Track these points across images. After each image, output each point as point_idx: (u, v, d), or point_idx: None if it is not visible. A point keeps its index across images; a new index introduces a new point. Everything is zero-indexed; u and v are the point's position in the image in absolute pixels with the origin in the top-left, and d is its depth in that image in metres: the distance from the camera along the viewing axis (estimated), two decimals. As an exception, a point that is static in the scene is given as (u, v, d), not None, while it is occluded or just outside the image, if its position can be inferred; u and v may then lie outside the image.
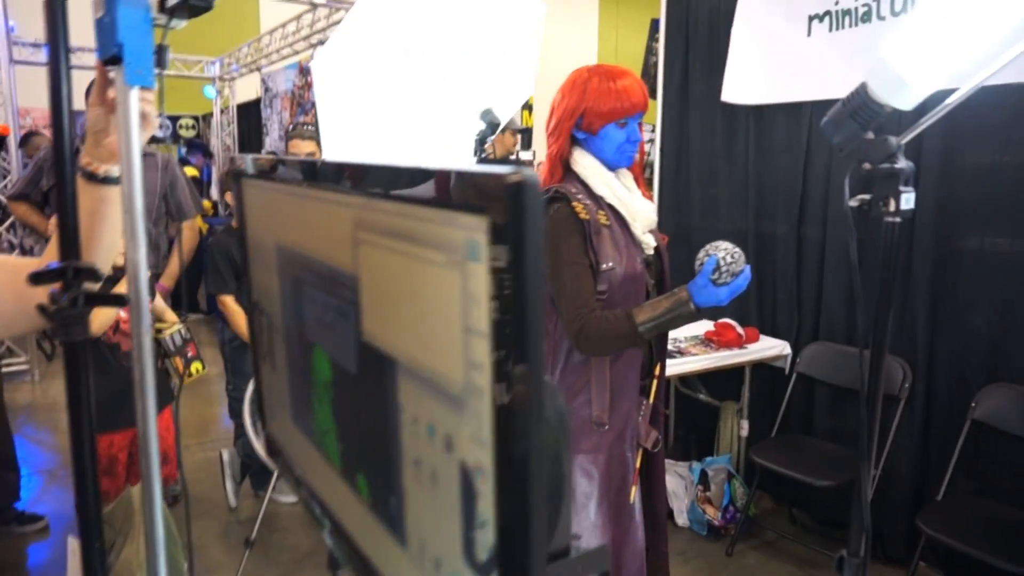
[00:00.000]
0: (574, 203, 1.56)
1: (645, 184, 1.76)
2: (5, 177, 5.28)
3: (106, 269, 1.09)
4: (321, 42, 5.53)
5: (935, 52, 1.10)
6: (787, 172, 3.09)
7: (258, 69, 7.41)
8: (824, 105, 1.24)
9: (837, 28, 2.80)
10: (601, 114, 1.57)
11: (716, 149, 3.41)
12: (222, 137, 8.53)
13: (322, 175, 0.67)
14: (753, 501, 3.05)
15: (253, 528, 2.73)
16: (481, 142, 2.48)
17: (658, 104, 3.68)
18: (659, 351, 1.71)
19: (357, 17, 2.71)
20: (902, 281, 2.65)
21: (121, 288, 0.93)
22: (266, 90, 7.30)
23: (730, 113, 3.28)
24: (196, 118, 9.51)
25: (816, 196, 2.99)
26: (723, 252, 1.48)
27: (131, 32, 0.89)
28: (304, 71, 6.19)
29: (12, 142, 5.16)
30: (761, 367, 3.20)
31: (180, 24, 0.98)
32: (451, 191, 0.45)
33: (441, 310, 0.46)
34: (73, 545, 1.44)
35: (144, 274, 0.93)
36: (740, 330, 3.07)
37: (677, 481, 3.14)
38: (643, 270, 1.62)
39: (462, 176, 0.43)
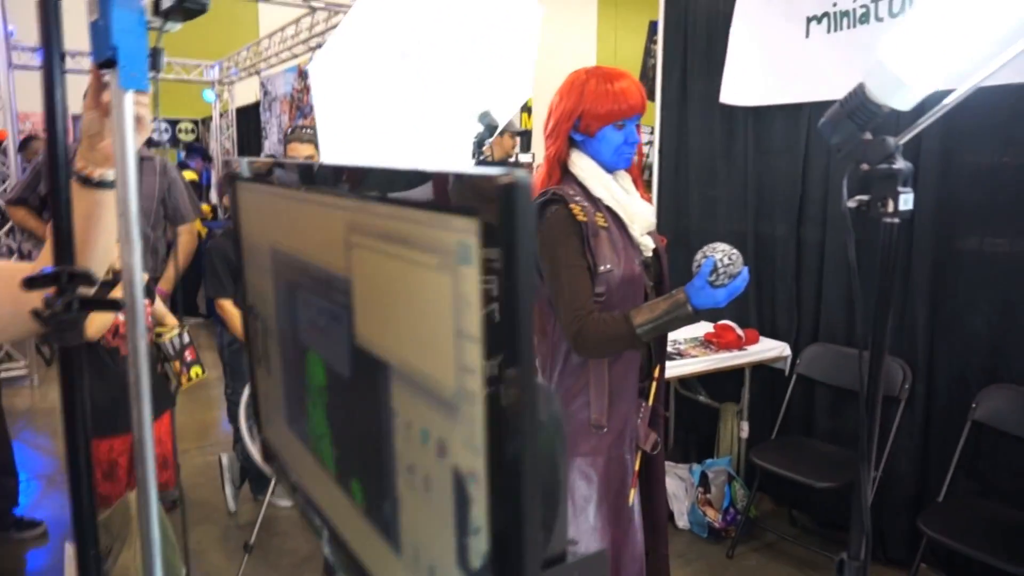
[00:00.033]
0: (571, 205, 1.56)
1: (644, 186, 1.76)
2: (4, 182, 5.28)
3: (101, 273, 1.09)
4: (320, 45, 5.53)
5: (933, 52, 1.10)
6: (786, 173, 3.09)
7: (257, 73, 7.42)
8: (823, 106, 1.23)
9: (835, 29, 2.80)
10: (598, 116, 1.57)
11: (715, 150, 3.41)
12: (221, 141, 8.54)
13: (314, 178, 0.67)
14: (754, 503, 3.04)
15: (252, 532, 2.72)
16: (479, 145, 2.48)
17: (657, 106, 3.68)
18: (658, 353, 1.71)
19: (354, 20, 2.71)
20: (902, 282, 2.65)
21: (118, 292, 0.93)
22: (265, 94, 7.31)
23: (729, 114, 3.28)
24: (195, 122, 9.52)
25: (815, 197, 2.99)
26: (720, 254, 1.47)
27: (125, 35, 0.88)
28: (303, 75, 6.19)
29: (11, 146, 5.17)
30: (761, 368, 3.20)
31: (175, 27, 0.98)
32: (442, 193, 0.44)
33: (433, 313, 0.46)
34: (70, 551, 1.43)
35: (139, 278, 0.92)
36: (740, 332, 3.06)
37: (677, 483, 3.13)
38: (641, 272, 1.61)
39: (453, 178, 0.43)
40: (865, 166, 1.15)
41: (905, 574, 2.59)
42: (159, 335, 2.53)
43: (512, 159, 4.35)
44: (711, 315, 3.03)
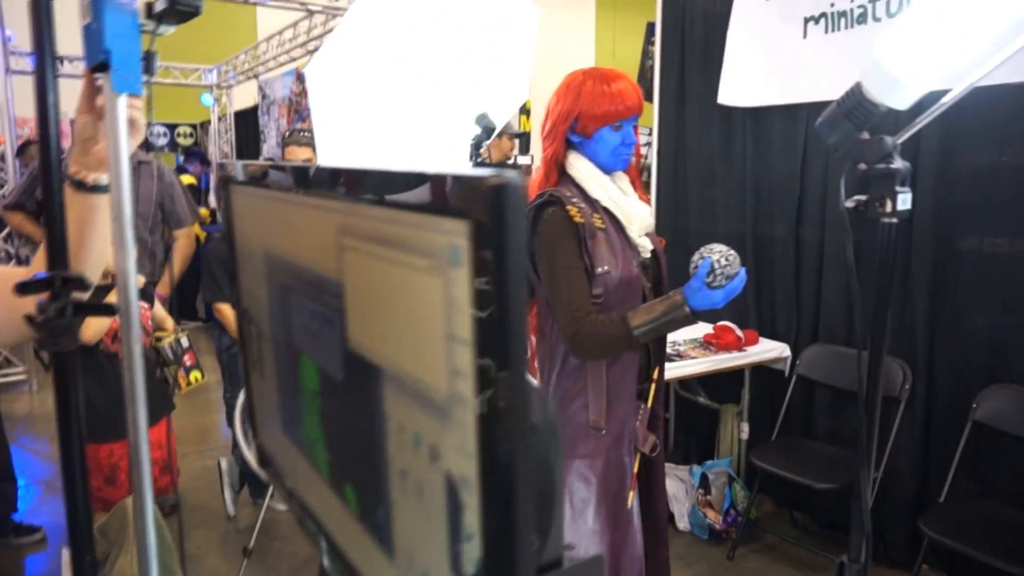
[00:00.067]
0: (568, 207, 1.55)
1: (642, 187, 1.76)
2: (2, 187, 5.28)
3: (96, 278, 1.08)
4: (318, 49, 5.53)
5: (929, 51, 1.10)
6: (785, 174, 3.09)
7: (255, 76, 7.42)
8: (821, 106, 1.23)
9: (833, 30, 2.80)
10: (595, 117, 1.57)
11: (713, 151, 3.41)
12: (220, 145, 8.54)
13: (306, 181, 0.66)
14: (754, 504, 3.03)
15: (251, 536, 2.71)
16: (477, 147, 2.47)
17: (655, 107, 3.68)
18: (657, 355, 1.70)
19: (351, 23, 2.70)
20: (901, 282, 2.64)
21: (114, 296, 0.92)
22: (263, 97, 7.31)
23: (727, 115, 3.28)
24: (194, 126, 9.52)
25: (814, 197, 2.99)
26: (718, 255, 1.47)
27: (118, 38, 0.88)
28: (301, 78, 6.19)
29: (9, 151, 5.16)
30: (761, 369, 3.19)
31: (168, 30, 0.98)
32: (432, 195, 0.44)
33: (424, 316, 0.46)
34: (67, 557, 1.42)
35: (133, 282, 0.92)
36: (739, 332, 3.06)
37: (678, 485, 3.12)
38: (639, 273, 1.61)
39: (444, 180, 0.42)
40: (863, 166, 1.15)
41: (907, 575, 2.59)
42: (159, 339, 2.53)
43: (510, 161, 4.34)
44: (710, 316, 3.02)
